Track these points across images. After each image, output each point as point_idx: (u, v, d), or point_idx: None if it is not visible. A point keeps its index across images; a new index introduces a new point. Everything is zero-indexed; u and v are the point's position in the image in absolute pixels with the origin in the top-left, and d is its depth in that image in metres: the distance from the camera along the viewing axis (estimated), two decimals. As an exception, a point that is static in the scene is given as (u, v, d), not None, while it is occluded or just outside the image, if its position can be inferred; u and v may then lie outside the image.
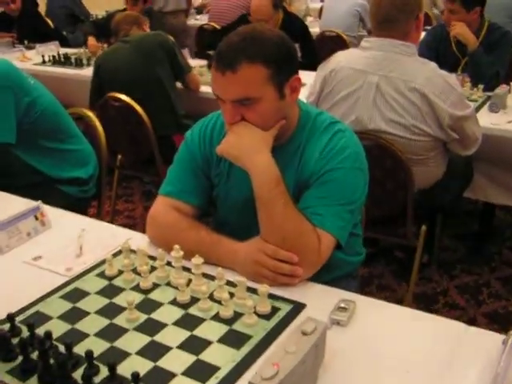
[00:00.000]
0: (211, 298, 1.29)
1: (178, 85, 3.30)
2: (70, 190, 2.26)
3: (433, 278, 2.80)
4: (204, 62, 3.98)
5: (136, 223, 3.45)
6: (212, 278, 1.36)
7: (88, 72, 3.79)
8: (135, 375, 0.98)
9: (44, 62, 4.13)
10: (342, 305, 1.24)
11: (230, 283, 1.32)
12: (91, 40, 4.32)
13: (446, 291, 2.71)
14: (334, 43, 5.11)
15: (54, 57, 4.09)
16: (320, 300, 1.30)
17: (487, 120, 2.57)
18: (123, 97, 2.85)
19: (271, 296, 1.27)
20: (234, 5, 5.40)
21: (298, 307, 1.26)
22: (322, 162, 1.42)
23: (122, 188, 3.78)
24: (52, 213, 1.71)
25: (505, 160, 2.68)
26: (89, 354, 1.04)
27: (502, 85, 2.94)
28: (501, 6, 4.48)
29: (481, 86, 3.03)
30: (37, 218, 1.63)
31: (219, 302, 1.27)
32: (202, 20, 6.53)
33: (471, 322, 2.46)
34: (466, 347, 1.14)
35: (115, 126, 2.93)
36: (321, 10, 6.83)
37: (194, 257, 1.32)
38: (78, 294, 1.33)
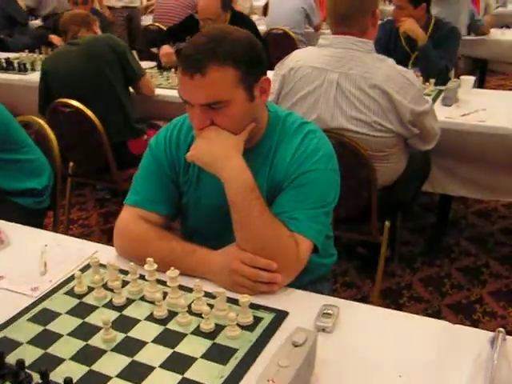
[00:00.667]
0: (189, 311, 1.24)
1: (131, 89, 3.19)
2: (24, 202, 2.16)
3: (396, 273, 2.83)
4: (153, 64, 3.90)
5: (92, 232, 3.34)
6: (188, 289, 1.31)
7: (33, 77, 3.66)
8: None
9: (-16, 67, 3.95)
10: (326, 310, 1.21)
11: (207, 294, 1.27)
12: (54, 38, 4.15)
13: (409, 285, 2.74)
14: (281, 40, 5.11)
15: (-6, 62, 3.92)
16: (301, 306, 1.27)
17: (441, 114, 2.60)
18: (73, 102, 2.74)
19: (252, 305, 1.22)
20: (180, 5, 5.31)
21: (280, 315, 1.23)
22: (295, 164, 1.38)
23: (74, 196, 3.65)
24: (9, 229, 1.62)
25: (460, 152, 2.73)
26: (68, 381, 0.98)
27: (452, 79, 3.00)
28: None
29: (432, 81, 3.08)
30: (-6, 236, 1.53)
31: (199, 315, 1.22)
32: (146, 21, 6.40)
33: (436, 314, 2.50)
34: (454, 346, 1.13)
35: (66, 133, 2.81)
36: (265, 7, 6.84)
37: (165, 268, 1.27)
38: (48, 316, 1.25)
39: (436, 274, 2.81)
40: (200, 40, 1.29)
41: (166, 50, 3.81)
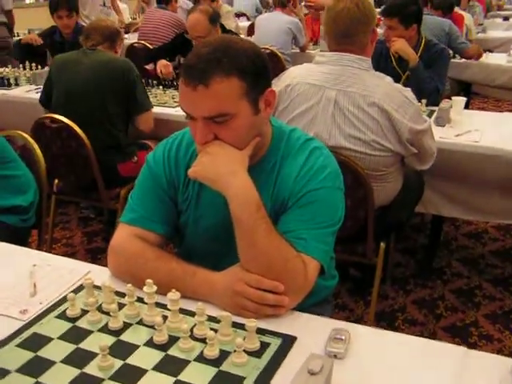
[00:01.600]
0: (191, 335, 1.17)
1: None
2: (9, 220, 2.06)
3: (389, 295, 2.78)
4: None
5: (76, 251, 3.23)
6: (189, 313, 1.24)
7: (16, 92, 3.57)
8: None
9: (-34, 81, 3.84)
10: (337, 335, 1.15)
11: (210, 318, 1.20)
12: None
13: (403, 307, 2.68)
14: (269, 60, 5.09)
15: (-24, 77, 3.82)
16: (309, 331, 1.21)
17: (435, 134, 2.56)
18: (61, 117, 2.66)
19: (257, 330, 1.15)
20: (167, 24, 5.29)
21: (288, 341, 1.16)
22: (301, 182, 1.33)
23: (57, 215, 3.53)
24: (-4, 247, 1.54)
25: (454, 173, 2.71)
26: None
27: (444, 99, 2.99)
28: (426, 25, 4.62)
29: (424, 101, 3.06)
30: (-20, 255, 1.44)
31: (202, 340, 1.15)
32: (130, 39, 6.34)
33: (432, 337, 2.44)
34: (470, 372, 1.07)
35: (52, 149, 2.73)
36: (249, 28, 6.85)
37: (164, 290, 1.21)
38: (39, 341, 1.17)
39: (429, 296, 2.77)
40: (203, 50, 1.23)
41: (164, 62, 3.77)
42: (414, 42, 3.28)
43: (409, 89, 2.15)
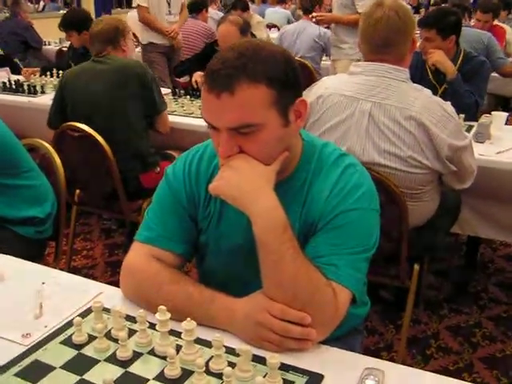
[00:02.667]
0: (207, 370, 1.05)
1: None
2: (24, 231, 1.98)
3: (421, 320, 2.62)
4: (167, 90, 3.77)
5: (96, 264, 3.15)
6: (206, 343, 1.12)
7: (42, 100, 3.53)
8: None
9: (-7, 88, 3.82)
10: (370, 376, 1.02)
11: (228, 350, 1.08)
12: None
13: (436, 334, 2.52)
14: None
15: (4, 83, 3.78)
16: (338, 368, 1.08)
17: (474, 151, 2.41)
18: (83, 126, 2.58)
19: (280, 366, 1.03)
20: (199, 35, 5.26)
21: (314, 379, 1.04)
22: (334, 201, 1.20)
23: (78, 225, 3.47)
24: (4, 262, 1.45)
25: (494, 193, 2.55)
26: None
27: (484, 114, 2.83)
28: (464, 37, 4.48)
29: (462, 116, 2.91)
30: (-15, 270, 1.35)
31: (218, 376, 1.04)
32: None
33: (469, 368, 2.28)
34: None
35: (73, 159, 2.65)
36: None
37: (179, 316, 1.10)
38: (39, 370, 1.06)
39: (465, 323, 2.60)
40: (229, 54, 1.12)
41: (200, 73, 3.69)
42: (452, 54, 3.13)
43: (449, 102, 2.01)
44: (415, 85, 2.00)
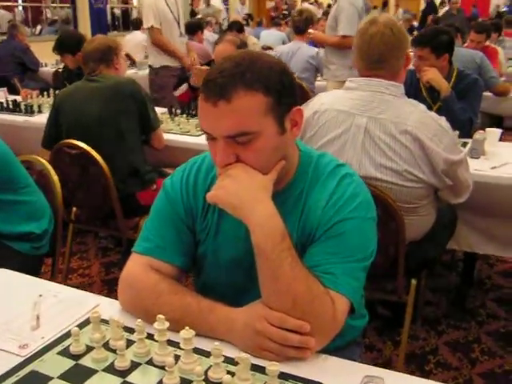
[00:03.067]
0: (206, 379, 1.04)
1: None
2: (20, 247, 1.97)
3: (419, 336, 2.61)
4: (164, 110, 3.79)
5: (92, 282, 3.13)
6: (204, 353, 1.11)
7: (39, 119, 3.54)
8: None
9: (-10, 108, 3.84)
10: (371, 383, 1.01)
11: (226, 359, 1.08)
12: None
13: (435, 349, 2.51)
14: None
15: (1, 103, 3.80)
16: (337, 377, 1.08)
17: (470, 166, 2.44)
18: (80, 144, 2.59)
19: (279, 375, 1.02)
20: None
21: (313, 388, 1.03)
22: (331, 211, 1.21)
23: (75, 244, 3.46)
24: (0, 274, 1.44)
25: (489, 207, 2.56)
26: None
27: (478, 131, 2.86)
28: (457, 57, 4.54)
29: (457, 133, 2.93)
30: (-18, 283, 1.35)
31: (216, 385, 1.03)
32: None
33: (468, 383, 2.27)
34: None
35: (70, 176, 2.66)
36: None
37: (178, 326, 1.10)
38: (37, 380, 1.06)
39: (463, 339, 2.59)
40: (226, 64, 1.14)
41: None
42: (446, 72, 3.17)
43: (443, 117, 2.03)
44: (410, 100, 2.03)
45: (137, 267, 1.29)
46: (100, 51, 2.87)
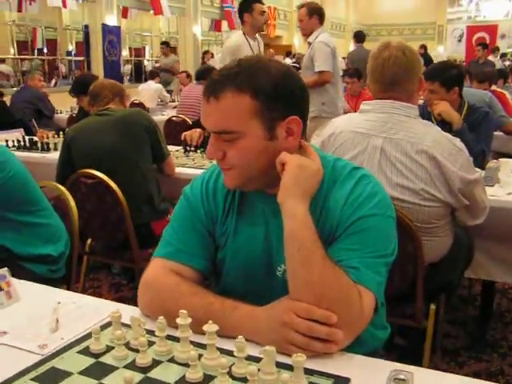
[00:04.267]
0: (229, 374, 1.02)
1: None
2: (37, 269, 1.97)
3: (440, 367, 2.53)
4: (177, 147, 3.83)
5: (105, 316, 3.09)
6: (226, 352, 1.09)
7: (55, 155, 3.57)
8: None
9: (8, 146, 3.89)
10: (398, 376, 0.99)
11: (250, 358, 1.05)
12: None
13: (457, 381, 2.43)
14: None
15: (18, 141, 3.88)
16: (364, 372, 1.06)
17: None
18: (97, 173, 2.62)
19: (304, 371, 1.00)
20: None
21: (340, 382, 1.00)
22: (350, 209, 1.21)
23: (88, 280, 3.44)
24: (20, 285, 1.43)
25: (505, 234, 2.53)
26: None
27: (491, 160, 2.87)
28: (466, 97, 4.59)
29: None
30: (1, 289, 1.34)
31: (241, 380, 1.00)
32: (168, 114, 6.45)
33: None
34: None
35: (86, 205, 2.67)
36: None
37: (199, 326, 1.07)
38: (56, 375, 1.04)
39: (486, 370, 2.52)
40: (230, 65, 1.21)
41: (193, 130, 3.75)
42: (457, 106, 3.20)
43: (458, 138, 2.04)
44: (425, 121, 2.04)
45: (157, 270, 1.28)
46: (117, 86, 3.03)
